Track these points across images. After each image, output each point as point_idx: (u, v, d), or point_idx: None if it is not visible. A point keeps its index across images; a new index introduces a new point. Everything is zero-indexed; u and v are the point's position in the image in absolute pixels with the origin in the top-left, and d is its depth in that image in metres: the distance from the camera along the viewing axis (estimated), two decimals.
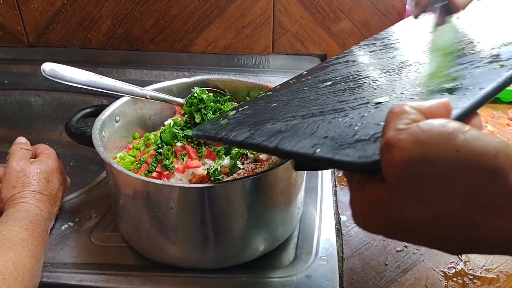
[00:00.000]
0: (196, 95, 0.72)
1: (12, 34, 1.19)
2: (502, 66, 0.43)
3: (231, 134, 0.50)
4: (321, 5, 1.08)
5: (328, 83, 0.55)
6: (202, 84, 0.78)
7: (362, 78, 0.54)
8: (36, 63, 1.17)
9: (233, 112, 0.58)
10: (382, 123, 0.37)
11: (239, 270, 0.61)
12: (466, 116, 0.36)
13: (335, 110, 0.46)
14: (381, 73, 0.53)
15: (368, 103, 0.45)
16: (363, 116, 0.42)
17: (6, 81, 1.14)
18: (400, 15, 1.07)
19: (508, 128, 0.92)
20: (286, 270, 0.61)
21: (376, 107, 0.43)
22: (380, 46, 0.66)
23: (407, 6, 1.03)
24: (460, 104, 0.37)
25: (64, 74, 0.66)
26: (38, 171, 0.66)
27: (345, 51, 0.68)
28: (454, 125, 0.30)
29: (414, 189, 0.30)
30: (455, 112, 0.36)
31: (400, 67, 0.53)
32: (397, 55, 0.59)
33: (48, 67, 0.65)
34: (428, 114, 0.33)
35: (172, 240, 0.59)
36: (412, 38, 0.66)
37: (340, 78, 0.56)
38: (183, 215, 0.56)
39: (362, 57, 0.64)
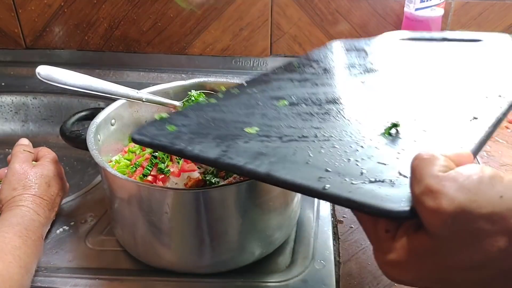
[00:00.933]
0: (193, 98, 0.71)
1: (9, 37, 1.18)
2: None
3: (195, 147, 0.43)
4: (319, 7, 1.07)
5: (286, 103, 0.52)
6: (199, 87, 0.78)
7: (325, 103, 0.51)
8: (33, 65, 1.14)
9: (175, 117, 0.51)
10: (387, 164, 0.37)
11: (235, 274, 0.60)
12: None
13: (317, 137, 0.43)
14: (342, 103, 0.51)
15: (351, 136, 0.43)
16: (357, 150, 0.40)
17: (3, 83, 1.14)
18: (398, 17, 1.06)
19: (507, 130, 0.92)
20: (282, 274, 0.61)
21: (363, 143, 0.41)
22: (319, 69, 0.63)
23: (405, 8, 1.03)
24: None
25: (59, 77, 0.65)
26: (40, 175, 0.65)
27: (280, 66, 0.65)
28: (489, 171, 0.31)
29: (463, 236, 0.30)
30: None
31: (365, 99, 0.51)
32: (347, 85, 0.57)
33: (43, 71, 0.65)
34: (457, 161, 0.33)
35: (168, 245, 0.59)
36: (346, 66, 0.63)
37: (296, 99, 0.53)
38: (178, 220, 0.56)
39: (306, 78, 0.61)
